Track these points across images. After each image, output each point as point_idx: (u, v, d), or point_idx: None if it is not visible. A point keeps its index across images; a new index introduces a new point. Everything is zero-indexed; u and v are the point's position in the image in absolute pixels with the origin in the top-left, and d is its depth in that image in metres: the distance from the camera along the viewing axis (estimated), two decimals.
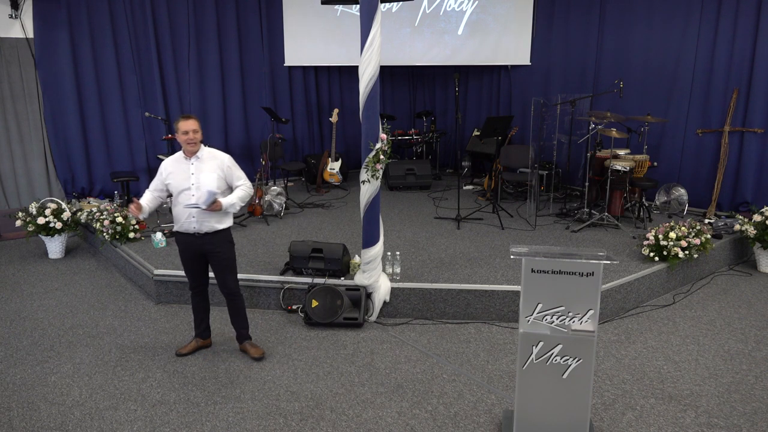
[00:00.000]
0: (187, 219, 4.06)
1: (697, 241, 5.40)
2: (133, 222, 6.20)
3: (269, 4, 8.94)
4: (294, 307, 5.09)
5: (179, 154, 4.10)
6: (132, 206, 4.01)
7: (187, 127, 3.95)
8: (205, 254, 4.17)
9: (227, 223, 4.17)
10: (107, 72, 7.86)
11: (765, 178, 6.84)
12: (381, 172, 4.67)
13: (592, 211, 6.77)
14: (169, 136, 7.99)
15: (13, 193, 7.57)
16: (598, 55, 8.09)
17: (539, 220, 6.88)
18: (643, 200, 6.75)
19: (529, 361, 3.19)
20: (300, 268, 5.22)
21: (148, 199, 4.15)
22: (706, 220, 6.60)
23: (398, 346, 4.52)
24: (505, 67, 9.28)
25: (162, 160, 7.84)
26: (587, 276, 3.04)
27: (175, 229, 4.19)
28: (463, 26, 9.09)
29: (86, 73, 7.73)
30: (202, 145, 4.12)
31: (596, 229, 6.50)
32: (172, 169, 4.08)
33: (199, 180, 4.00)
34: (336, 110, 8.67)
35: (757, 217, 5.93)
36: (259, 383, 4.02)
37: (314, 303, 4.84)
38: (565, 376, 3.17)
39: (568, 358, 3.14)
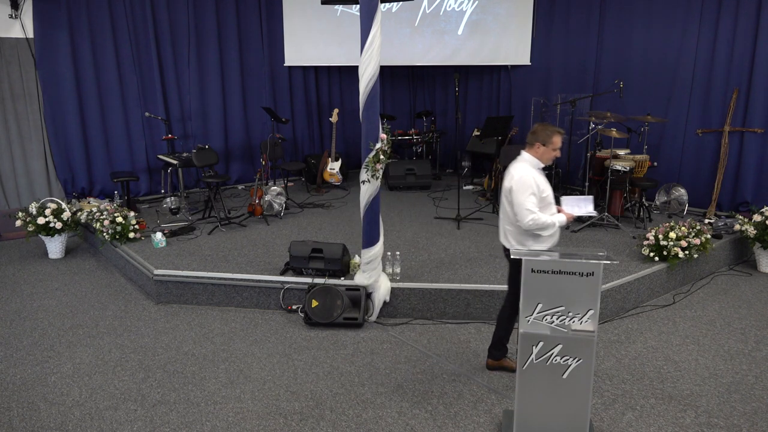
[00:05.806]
0: (557, 232, 3.81)
1: (697, 241, 5.40)
2: (133, 222, 6.20)
3: (269, 4, 8.94)
4: (294, 307, 5.09)
5: (529, 166, 3.73)
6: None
7: (561, 143, 3.79)
8: None
9: None
10: (107, 72, 7.85)
11: (765, 178, 6.84)
12: (381, 172, 4.67)
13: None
14: (170, 136, 7.99)
15: (13, 193, 7.56)
16: (598, 55, 8.09)
17: None
18: (643, 200, 6.75)
19: (529, 361, 3.19)
20: (300, 268, 5.22)
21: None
22: (706, 220, 6.60)
23: (398, 346, 4.52)
24: (505, 67, 9.27)
25: (163, 160, 7.89)
26: (587, 276, 3.04)
27: (548, 247, 3.72)
28: (463, 26, 9.09)
29: (86, 73, 7.73)
30: None
31: (596, 229, 6.50)
32: (541, 182, 3.72)
33: None
34: (336, 110, 8.67)
35: (757, 217, 5.93)
36: (259, 383, 4.02)
37: (314, 303, 4.84)
38: (565, 376, 3.17)
39: (568, 358, 3.14)
